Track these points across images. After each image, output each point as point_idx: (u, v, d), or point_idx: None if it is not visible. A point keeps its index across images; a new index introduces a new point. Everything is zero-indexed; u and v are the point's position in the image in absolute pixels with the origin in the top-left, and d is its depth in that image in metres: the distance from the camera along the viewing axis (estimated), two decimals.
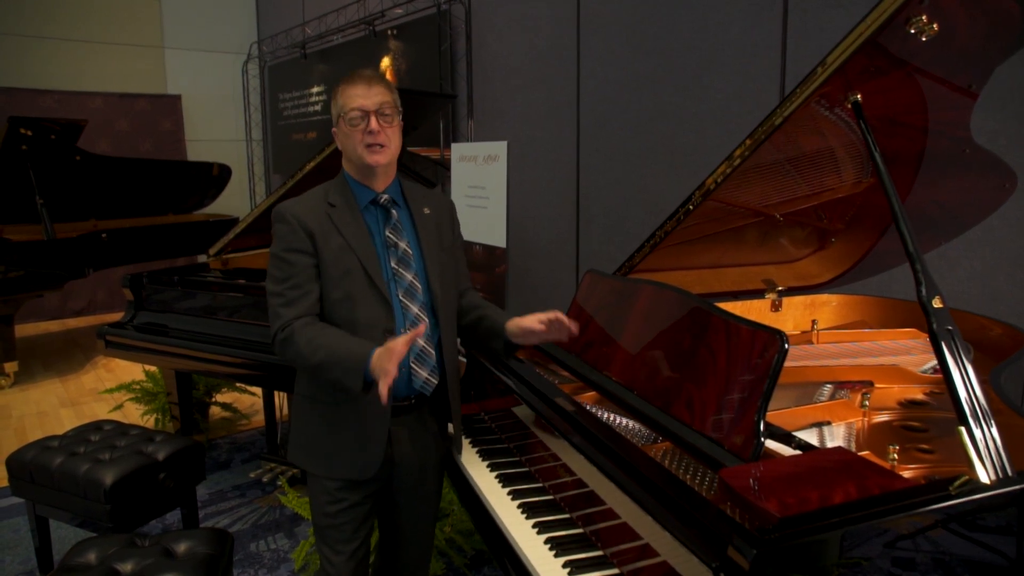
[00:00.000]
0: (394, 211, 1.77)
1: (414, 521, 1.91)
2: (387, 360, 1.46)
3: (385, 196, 1.76)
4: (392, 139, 1.71)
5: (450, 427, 1.94)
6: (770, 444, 1.39)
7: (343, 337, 1.61)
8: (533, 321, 1.76)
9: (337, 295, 1.68)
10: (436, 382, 1.79)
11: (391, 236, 1.74)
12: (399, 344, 1.48)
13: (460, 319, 1.93)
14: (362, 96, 1.67)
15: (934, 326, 1.34)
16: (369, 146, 1.68)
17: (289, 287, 1.65)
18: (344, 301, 1.68)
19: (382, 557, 2.00)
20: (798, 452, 1.37)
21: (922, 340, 2.14)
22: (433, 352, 1.78)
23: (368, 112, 1.66)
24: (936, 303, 1.37)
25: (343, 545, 1.77)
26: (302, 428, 1.80)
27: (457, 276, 1.91)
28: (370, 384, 1.54)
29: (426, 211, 1.83)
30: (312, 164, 3.10)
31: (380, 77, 1.73)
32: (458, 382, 1.90)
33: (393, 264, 1.74)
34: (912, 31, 1.33)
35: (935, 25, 1.32)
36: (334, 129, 1.76)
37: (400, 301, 1.72)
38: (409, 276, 1.74)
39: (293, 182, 3.17)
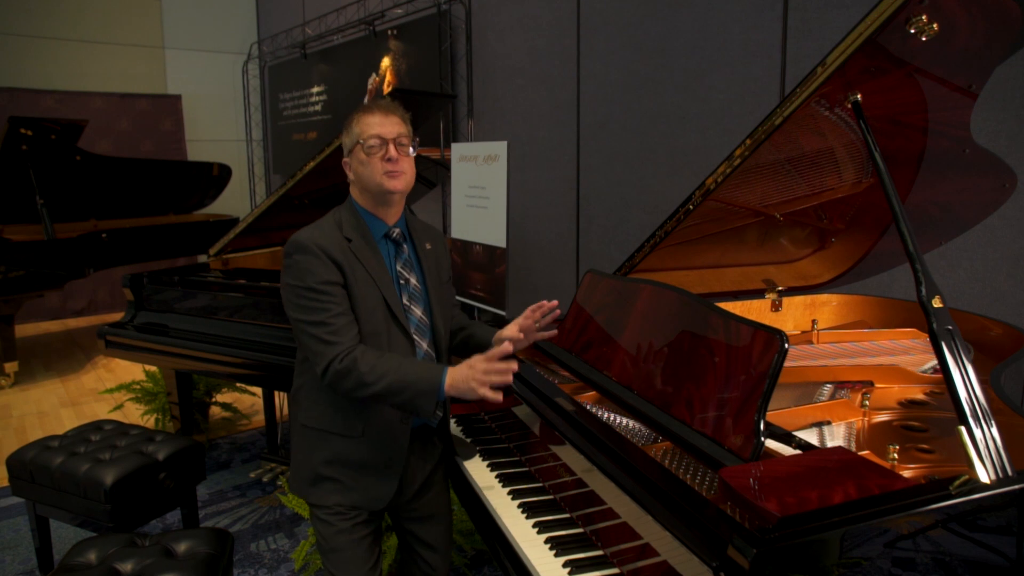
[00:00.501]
0: (405, 246, 1.78)
1: (435, 535, 1.93)
2: (480, 379, 1.48)
3: (396, 230, 1.77)
4: (408, 169, 1.72)
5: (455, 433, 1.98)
6: (770, 444, 1.39)
7: (406, 360, 1.60)
8: (512, 330, 1.75)
9: (365, 331, 1.66)
10: (441, 415, 1.86)
11: (402, 272, 1.76)
12: (493, 366, 1.49)
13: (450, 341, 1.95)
14: (380, 124, 1.68)
15: (934, 326, 1.34)
16: (388, 172, 1.67)
17: (332, 316, 1.60)
18: (373, 337, 1.67)
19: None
20: (798, 452, 1.37)
21: (922, 340, 2.14)
22: None
23: (387, 140, 1.67)
24: (936, 303, 1.37)
25: (361, 565, 1.72)
26: (308, 460, 1.75)
27: (451, 308, 1.95)
28: (439, 404, 1.58)
29: (428, 246, 1.85)
30: (313, 164, 3.10)
31: (396, 107, 1.74)
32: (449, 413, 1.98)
33: (405, 300, 1.75)
34: (912, 31, 1.34)
35: (935, 25, 1.32)
36: (346, 159, 1.75)
37: (414, 339, 1.74)
38: (419, 312, 1.77)
39: (294, 182, 3.18)
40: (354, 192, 1.77)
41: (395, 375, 1.54)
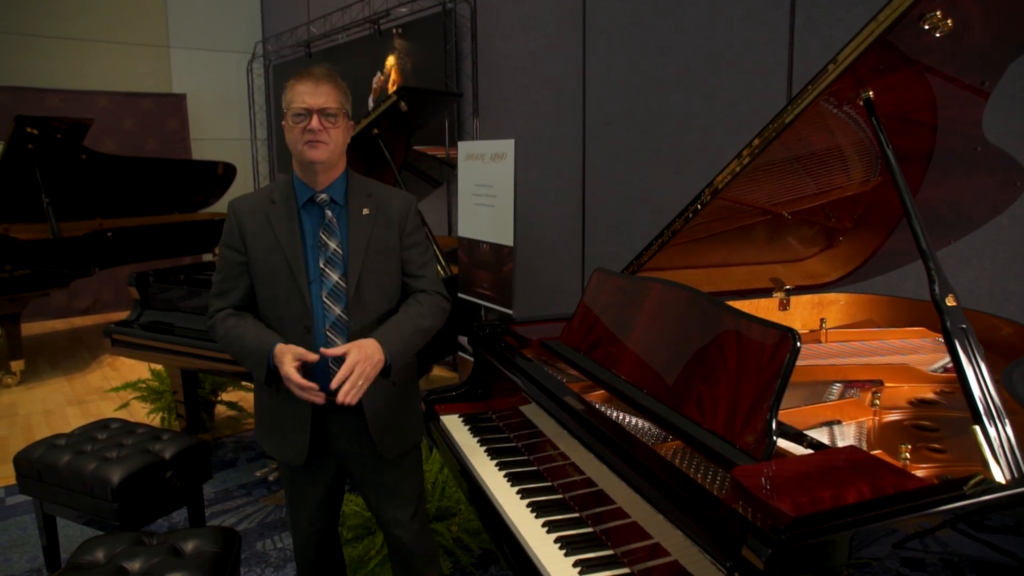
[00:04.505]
0: (328, 211, 1.76)
1: (385, 517, 1.89)
2: (285, 370, 1.63)
3: (322, 195, 1.76)
4: (334, 138, 1.71)
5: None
6: (781, 443, 1.38)
7: (256, 329, 1.72)
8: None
9: (265, 294, 1.75)
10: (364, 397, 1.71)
11: (323, 236, 1.75)
12: (285, 363, 1.62)
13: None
14: (307, 94, 1.68)
15: (948, 324, 1.33)
16: (308, 142, 1.68)
17: (221, 279, 1.79)
18: (270, 300, 1.75)
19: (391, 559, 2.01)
20: (810, 451, 1.36)
21: (931, 339, 2.13)
22: None
23: (311, 111, 1.67)
24: (949, 301, 1.36)
25: (300, 524, 1.91)
26: (256, 408, 1.91)
27: (400, 277, 1.83)
28: (273, 375, 1.68)
29: (365, 211, 1.78)
30: None
31: (330, 76, 1.73)
32: (380, 386, 1.75)
33: (321, 264, 1.73)
34: (926, 27, 1.33)
35: (949, 21, 1.31)
36: (283, 123, 1.74)
37: (323, 301, 1.72)
38: (335, 276, 1.73)
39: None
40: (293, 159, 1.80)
41: (240, 342, 1.71)
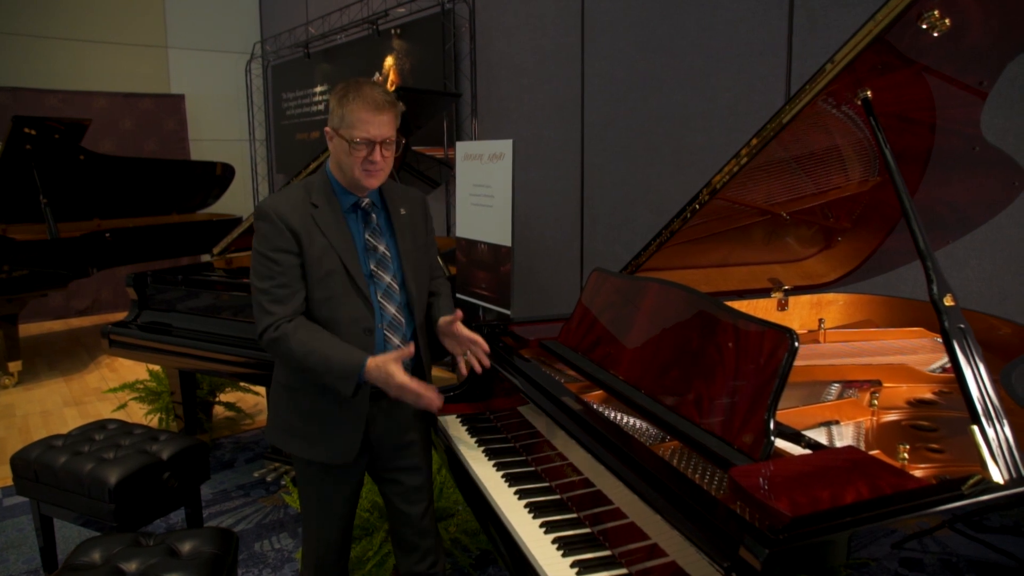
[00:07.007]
0: (374, 215, 1.81)
1: (405, 497, 1.93)
2: (390, 382, 1.62)
3: (366, 200, 1.80)
4: (389, 162, 1.75)
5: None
6: (779, 443, 1.38)
7: (335, 343, 1.68)
8: (447, 328, 1.87)
9: (319, 295, 1.73)
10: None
11: (371, 240, 1.79)
12: (396, 373, 1.62)
13: None
14: (372, 124, 1.66)
15: (946, 324, 1.33)
16: (367, 170, 1.71)
17: (277, 285, 1.69)
18: (327, 301, 1.73)
19: (393, 543, 2.02)
20: (808, 451, 1.36)
21: (929, 339, 2.13)
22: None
23: (374, 143, 1.68)
24: (948, 301, 1.36)
25: (327, 521, 1.88)
26: (280, 414, 1.86)
27: (430, 270, 1.96)
28: (359, 388, 1.67)
29: (403, 212, 1.87)
30: (316, 164, 3.10)
31: (391, 103, 1.71)
32: (429, 371, 1.96)
33: (372, 266, 1.78)
34: (924, 26, 1.32)
35: (947, 20, 1.31)
36: (328, 129, 1.73)
37: (379, 302, 1.78)
38: (387, 278, 1.80)
39: (297, 181, 3.17)
40: (332, 164, 1.79)
41: (321, 356, 1.64)
